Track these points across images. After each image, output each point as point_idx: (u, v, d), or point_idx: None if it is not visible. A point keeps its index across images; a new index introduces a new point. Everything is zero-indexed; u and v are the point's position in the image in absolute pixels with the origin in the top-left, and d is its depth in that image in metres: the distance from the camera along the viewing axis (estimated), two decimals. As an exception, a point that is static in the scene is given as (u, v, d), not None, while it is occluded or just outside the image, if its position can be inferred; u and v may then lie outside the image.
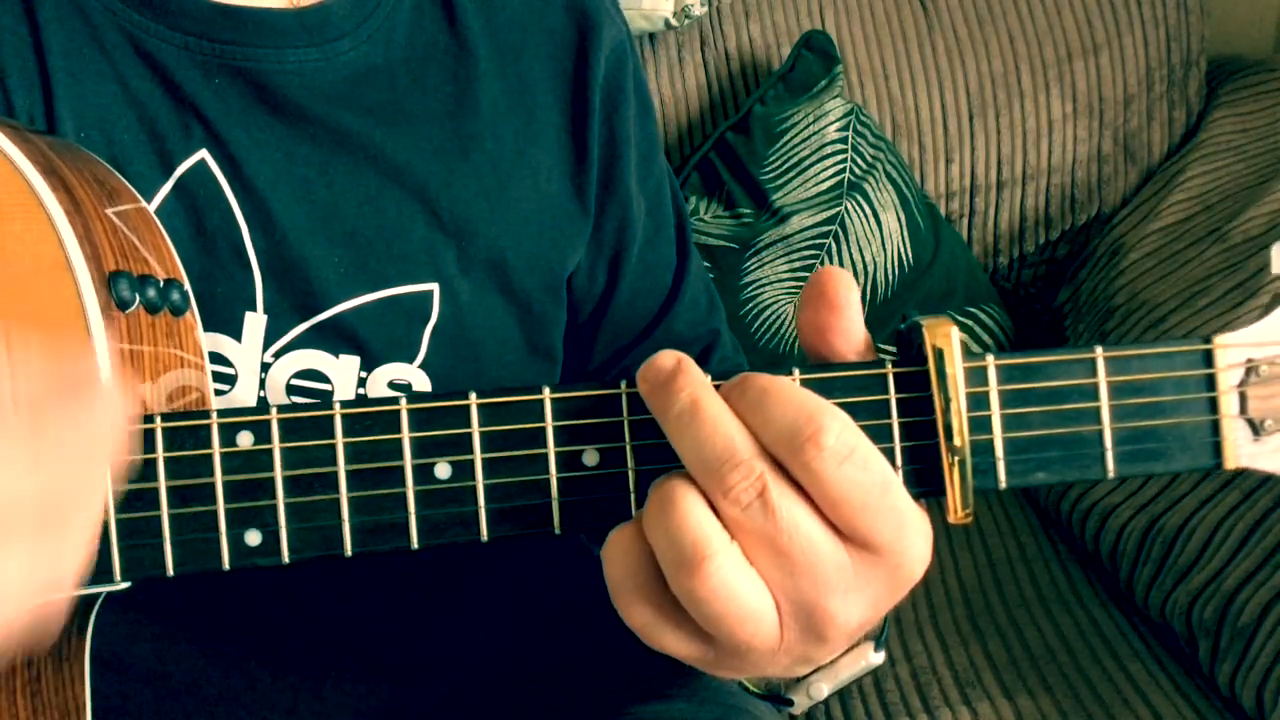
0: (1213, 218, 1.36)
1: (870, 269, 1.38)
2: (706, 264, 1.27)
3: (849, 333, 0.46)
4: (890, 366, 0.46)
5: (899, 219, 1.40)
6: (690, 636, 0.45)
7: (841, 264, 1.37)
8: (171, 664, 0.69)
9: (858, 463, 0.42)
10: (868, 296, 1.38)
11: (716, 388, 0.45)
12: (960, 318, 1.44)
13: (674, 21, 1.39)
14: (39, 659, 0.52)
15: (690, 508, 0.43)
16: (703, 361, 0.82)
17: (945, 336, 0.45)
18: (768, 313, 1.35)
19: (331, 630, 0.72)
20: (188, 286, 0.57)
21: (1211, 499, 1.07)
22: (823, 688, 0.52)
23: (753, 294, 1.35)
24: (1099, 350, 0.46)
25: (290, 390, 0.67)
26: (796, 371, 0.46)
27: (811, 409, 0.43)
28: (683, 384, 0.44)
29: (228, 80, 0.67)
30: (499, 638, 0.77)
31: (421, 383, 0.70)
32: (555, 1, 0.77)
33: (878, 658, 0.51)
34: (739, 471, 0.43)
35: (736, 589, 0.43)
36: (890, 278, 1.39)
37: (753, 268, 1.35)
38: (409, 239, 0.70)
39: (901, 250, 1.40)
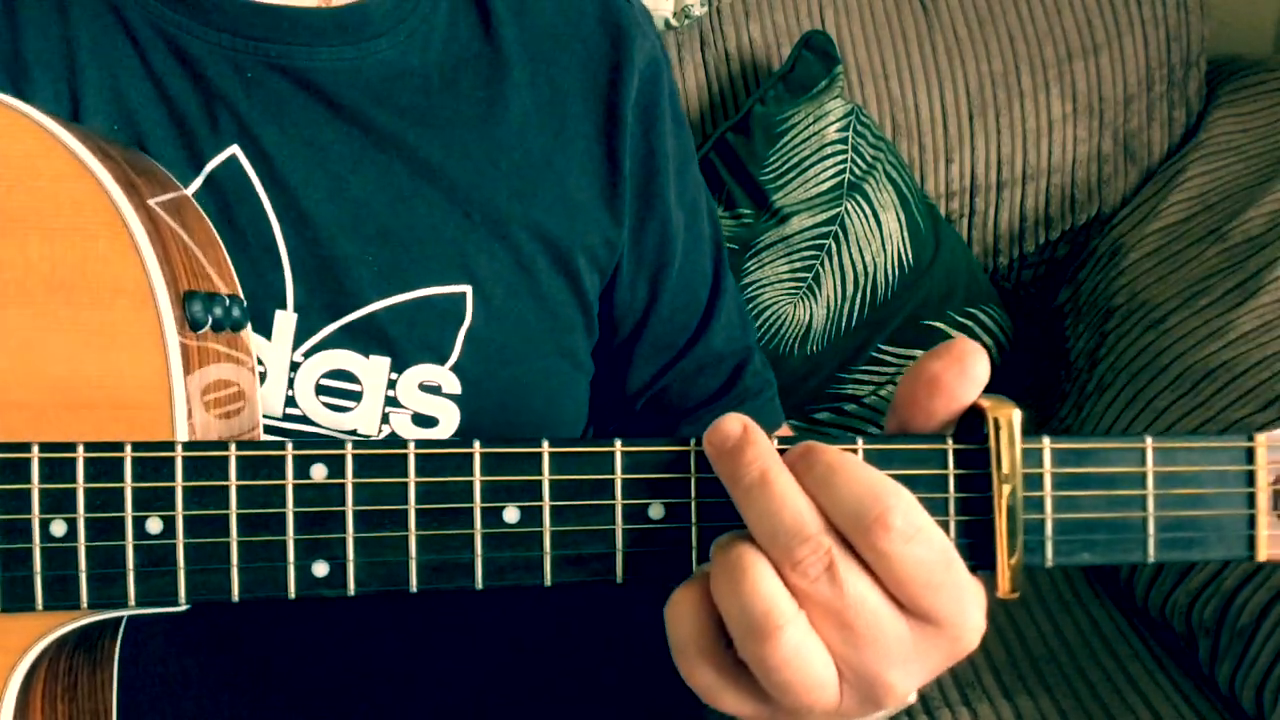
0: (1213, 218, 1.36)
1: (870, 269, 1.38)
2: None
3: (955, 399, 0.47)
4: (950, 442, 0.47)
5: (899, 219, 1.40)
6: (751, 698, 0.47)
7: (841, 264, 1.37)
8: (179, 701, 0.69)
9: (923, 542, 0.44)
10: (868, 296, 1.38)
11: (782, 452, 0.46)
12: (960, 318, 1.44)
13: (674, 21, 1.39)
14: (78, 665, 0.53)
15: (762, 576, 0.44)
16: (736, 378, 0.83)
17: (1007, 416, 0.46)
18: (768, 313, 1.35)
19: (345, 671, 0.72)
20: (245, 302, 0.57)
21: (1211, 499, 1.08)
22: None
23: (753, 294, 1.35)
24: (1149, 441, 0.48)
25: (319, 390, 0.67)
26: (860, 441, 0.47)
27: (879, 489, 0.44)
28: (752, 456, 0.45)
29: (261, 76, 0.67)
30: (513, 674, 0.77)
31: (452, 385, 0.70)
32: (590, 14, 0.77)
33: (912, 697, 0.53)
34: (808, 546, 0.44)
35: (807, 659, 0.44)
36: (890, 278, 1.39)
37: (753, 268, 1.35)
38: (441, 239, 0.70)
39: (901, 250, 1.40)
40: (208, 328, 0.54)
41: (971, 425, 0.48)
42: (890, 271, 1.39)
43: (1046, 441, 0.48)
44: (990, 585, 0.47)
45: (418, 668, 0.74)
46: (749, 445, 0.45)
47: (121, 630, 0.55)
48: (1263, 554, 0.49)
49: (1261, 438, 0.48)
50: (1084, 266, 1.49)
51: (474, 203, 0.71)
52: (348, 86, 0.68)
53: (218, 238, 0.59)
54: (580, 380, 0.78)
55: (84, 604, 0.48)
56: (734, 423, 0.46)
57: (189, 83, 0.66)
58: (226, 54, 0.66)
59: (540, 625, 0.79)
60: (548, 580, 0.48)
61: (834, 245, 1.37)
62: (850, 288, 1.38)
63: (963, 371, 0.46)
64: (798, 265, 1.36)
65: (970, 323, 1.44)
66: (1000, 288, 1.54)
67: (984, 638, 1.22)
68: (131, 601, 0.48)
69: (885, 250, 1.39)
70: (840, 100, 1.39)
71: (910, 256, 1.40)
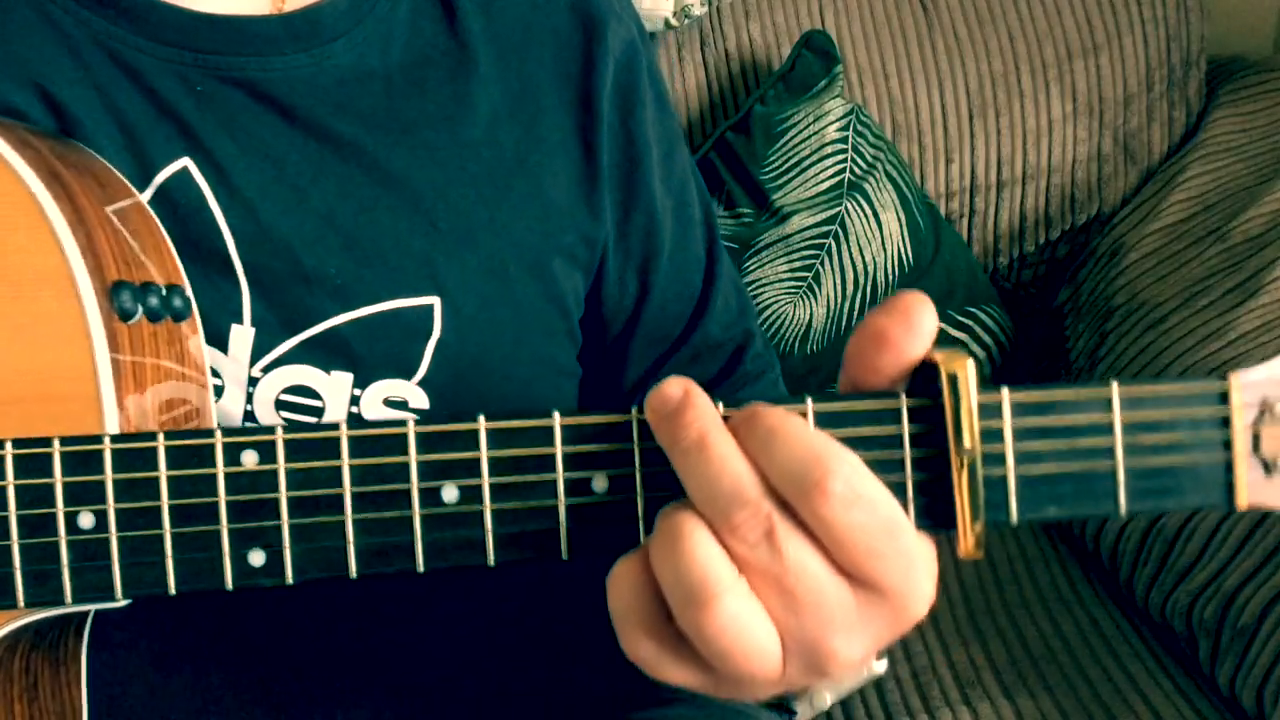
0: (1213, 218, 1.36)
1: (870, 269, 1.38)
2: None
3: (904, 352, 0.45)
4: (904, 398, 0.45)
5: (899, 219, 1.40)
6: (693, 668, 0.45)
7: (841, 264, 1.37)
8: (166, 699, 0.69)
9: (865, 507, 0.42)
10: (868, 297, 1.38)
11: (726, 419, 0.44)
12: (960, 318, 1.44)
13: (674, 21, 1.39)
14: (37, 665, 0.52)
15: (699, 543, 0.42)
16: (735, 362, 0.81)
17: (962, 368, 0.44)
18: (768, 313, 1.35)
19: (326, 660, 0.71)
20: (189, 291, 0.56)
21: (1211, 499, 1.07)
22: (826, 697, 0.52)
23: (753, 294, 1.35)
24: (1115, 386, 0.46)
25: (279, 406, 0.66)
26: (809, 401, 0.45)
27: (819, 452, 0.42)
28: (690, 418, 0.44)
29: (212, 89, 0.65)
30: (497, 648, 0.76)
31: (419, 400, 0.68)
32: (561, 3, 0.75)
33: (880, 666, 0.51)
34: (746, 510, 0.42)
35: (745, 626, 0.43)
36: (890, 278, 1.39)
37: (753, 268, 1.35)
38: (407, 250, 0.68)
39: (901, 250, 1.40)
40: (140, 317, 0.52)
41: (929, 381, 0.45)
42: (890, 271, 1.39)
43: (1005, 393, 0.45)
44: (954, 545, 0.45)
45: (408, 654, 0.74)
46: (689, 408, 0.44)
47: (88, 628, 0.54)
48: (1243, 500, 0.46)
49: (1235, 378, 0.46)
50: (1084, 266, 1.49)
51: (441, 210, 0.69)
52: (303, 95, 0.66)
53: (158, 225, 0.58)
54: (564, 386, 0.76)
55: (20, 602, 0.47)
56: (675, 386, 0.44)
57: (137, 95, 0.64)
58: (175, 68, 0.65)
59: (536, 610, 0.78)
60: (491, 560, 0.47)
61: (834, 245, 1.37)
62: (850, 287, 1.38)
63: (909, 325, 0.45)
64: (798, 265, 1.36)
65: (970, 322, 1.44)
66: (1000, 288, 1.54)
67: (984, 636, 1.22)
68: (68, 598, 0.47)
69: (885, 250, 1.39)
70: (840, 100, 1.39)
71: (910, 256, 1.40)
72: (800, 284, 1.36)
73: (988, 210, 1.51)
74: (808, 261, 1.36)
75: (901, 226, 1.40)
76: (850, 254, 1.37)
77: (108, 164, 0.59)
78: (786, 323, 1.35)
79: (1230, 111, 1.51)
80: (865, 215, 1.38)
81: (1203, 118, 1.54)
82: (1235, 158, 1.44)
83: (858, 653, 0.44)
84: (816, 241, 1.37)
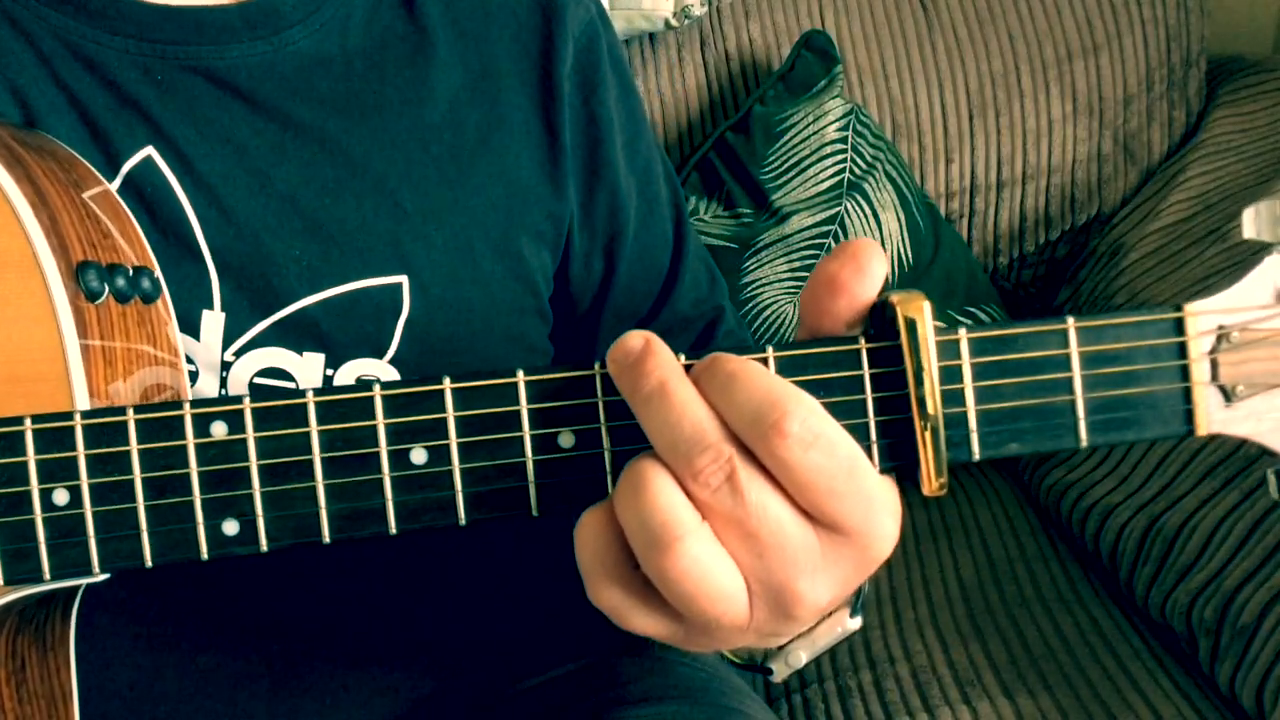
0: (1213, 218, 1.36)
1: (870, 269, 1.38)
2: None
3: (856, 296, 0.46)
4: (864, 341, 0.46)
5: (899, 219, 1.40)
6: (661, 616, 0.46)
7: (841, 264, 1.37)
8: (157, 681, 0.69)
9: (823, 448, 0.43)
10: (868, 296, 1.38)
11: (688, 368, 0.45)
12: (960, 318, 1.44)
13: (674, 21, 1.39)
14: (24, 649, 0.53)
15: (661, 489, 0.43)
16: (707, 338, 0.82)
17: (918, 309, 0.45)
18: (768, 312, 1.35)
19: (318, 639, 0.72)
20: (159, 273, 0.57)
21: (1212, 499, 1.07)
22: (801, 655, 0.52)
23: (753, 294, 1.35)
24: (1071, 320, 0.46)
25: (254, 390, 0.66)
26: (770, 349, 0.46)
27: (777, 395, 0.43)
28: (651, 366, 0.44)
29: (173, 79, 0.66)
30: (489, 642, 0.76)
31: (391, 377, 0.69)
32: None
33: (854, 623, 0.52)
34: (707, 455, 0.43)
35: (708, 569, 0.43)
36: (890, 278, 1.39)
37: (752, 268, 1.35)
38: (373, 231, 0.69)
39: (901, 250, 1.40)
40: (106, 297, 0.53)
41: (885, 317, 0.46)
42: (890, 271, 1.39)
43: (963, 333, 0.46)
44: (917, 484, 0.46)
45: (398, 645, 0.74)
46: (648, 356, 0.44)
47: (75, 611, 0.55)
48: (1202, 428, 0.46)
49: (1190, 307, 0.46)
50: (1084, 266, 1.49)
51: (406, 192, 0.70)
52: (263, 81, 0.67)
53: (125, 209, 0.58)
54: (536, 364, 0.77)
55: (0, 580, 0.48)
56: (635, 337, 0.45)
57: (99, 88, 0.65)
58: (135, 59, 0.65)
59: (528, 605, 0.78)
60: (462, 519, 0.47)
61: (834, 245, 1.37)
62: (850, 287, 1.38)
63: (859, 268, 0.46)
64: (797, 265, 1.36)
65: (970, 322, 1.44)
66: (1000, 288, 1.54)
67: (984, 636, 1.22)
68: (47, 575, 0.48)
69: (885, 250, 1.39)
70: (840, 100, 1.39)
71: (910, 256, 1.40)
72: (800, 284, 1.36)
73: (988, 210, 1.51)
74: (808, 261, 1.36)
75: (901, 226, 1.40)
76: (850, 254, 1.37)
77: (72, 151, 0.59)
78: (786, 323, 1.35)
79: (1230, 111, 1.51)
80: (865, 215, 1.38)
81: (1203, 118, 1.54)
82: (1235, 158, 1.44)
83: (824, 595, 0.45)
84: (816, 241, 1.37)
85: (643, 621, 0.46)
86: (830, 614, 0.51)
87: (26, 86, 0.64)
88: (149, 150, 0.65)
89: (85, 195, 0.56)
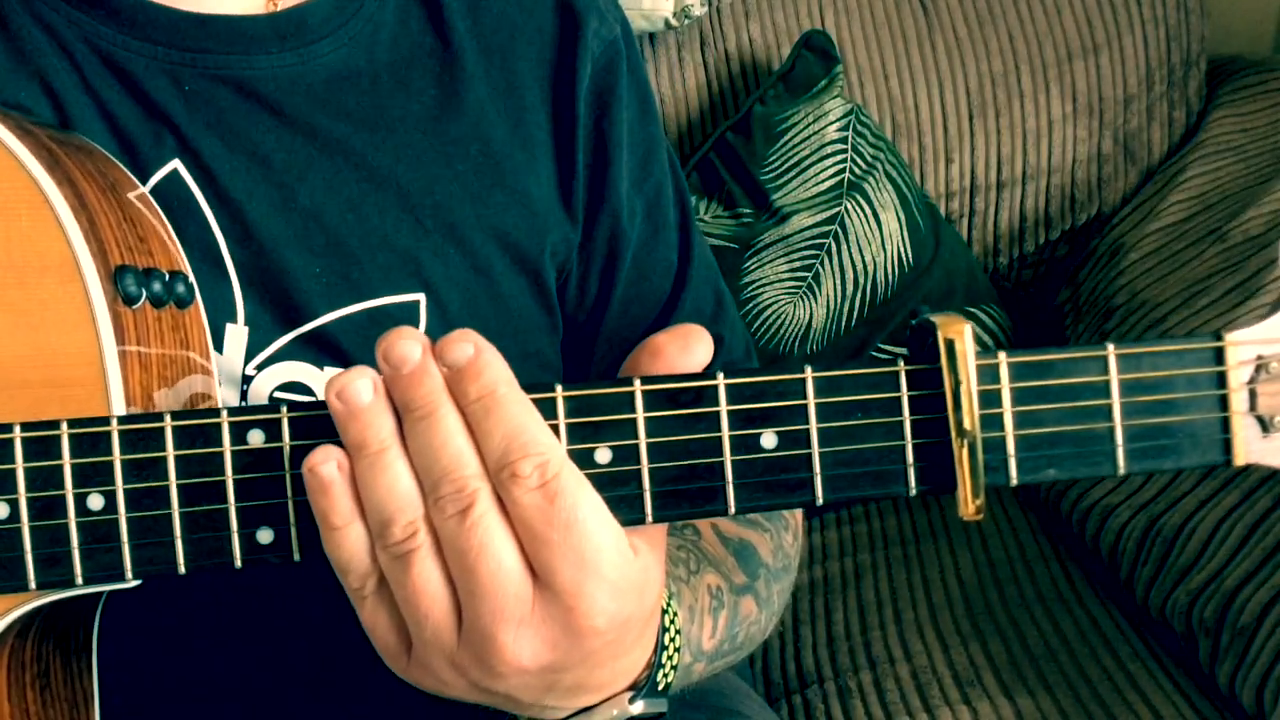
0: (1213, 218, 1.36)
1: (870, 269, 1.38)
2: (706, 264, 1.27)
3: (672, 365, 0.48)
4: (903, 364, 0.46)
5: (899, 219, 1.40)
6: (390, 623, 0.48)
7: (841, 264, 1.37)
8: (180, 687, 0.69)
9: (547, 495, 0.44)
10: (867, 296, 1.38)
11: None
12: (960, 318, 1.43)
13: (674, 21, 1.39)
14: (48, 655, 0.53)
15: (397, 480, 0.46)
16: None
17: (958, 330, 0.45)
18: (768, 313, 1.35)
19: (341, 646, 0.71)
20: (193, 279, 0.57)
21: (1211, 499, 1.07)
22: None
23: (753, 294, 1.35)
24: (1111, 348, 0.46)
25: (274, 403, 0.66)
26: (809, 369, 0.46)
27: (525, 436, 0.45)
28: (425, 392, 0.46)
29: (200, 88, 0.66)
30: None
31: None
32: (546, 1, 0.75)
33: (636, 708, 0.52)
34: (451, 486, 0.45)
35: (426, 580, 0.45)
36: (890, 278, 1.39)
37: (752, 268, 1.35)
38: (393, 248, 0.68)
39: (901, 250, 1.40)
40: (144, 302, 0.53)
41: (923, 339, 0.47)
42: (890, 271, 1.39)
43: (1002, 356, 0.46)
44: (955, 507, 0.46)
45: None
46: (424, 377, 0.46)
47: (98, 618, 0.55)
48: (1240, 458, 0.46)
49: (1230, 336, 0.46)
50: (1084, 266, 1.49)
51: (427, 207, 0.69)
52: (290, 93, 0.67)
53: (161, 214, 0.58)
54: (547, 380, 0.77)
55: (32, 585, 0.48)
56: (413, 344, 0.46)
57: (128, 98, 0.65)
58: (164, 67, 0.65)
59: None
60: None
61: (834, 245, 1.37)
62: (850, 287, 1.38)
63: (685, 347, 0.48)
64: (797, 265, 1.36)
65: (970, 322, 1.44)
66: (1000, 288, 1.54)
67: (984, 636, 1.22)
68: (79, 579, 0.48)
69: (885, 250, 1.39)
70: (840, 100, 1.39)
71: (910, 256, 1.40)
72: (800, 284, 1.36)
73: (988, 210, 1.51)
74: (807, 261, 1.36)
75: (901, 226, 1.40)
76: (850, 254, 1.37)
77: (107, 153, 0.59)
78: (786, 323, 1.35)
79: (1230, 111, 1.51)
80: (865, 215, 1.38)
81: (1203, 118, 1.54)
82: (1235, 158, 1.44)
83: (527, 653, 0.46)
84: (816, 241, 1.37)
85: (377, 619, 0.48)
86: (611, 697, 0.51)
87: (62, 91, 0.64)
88: (175, 163, 0.65)
89: (122, 198, 0.56)
